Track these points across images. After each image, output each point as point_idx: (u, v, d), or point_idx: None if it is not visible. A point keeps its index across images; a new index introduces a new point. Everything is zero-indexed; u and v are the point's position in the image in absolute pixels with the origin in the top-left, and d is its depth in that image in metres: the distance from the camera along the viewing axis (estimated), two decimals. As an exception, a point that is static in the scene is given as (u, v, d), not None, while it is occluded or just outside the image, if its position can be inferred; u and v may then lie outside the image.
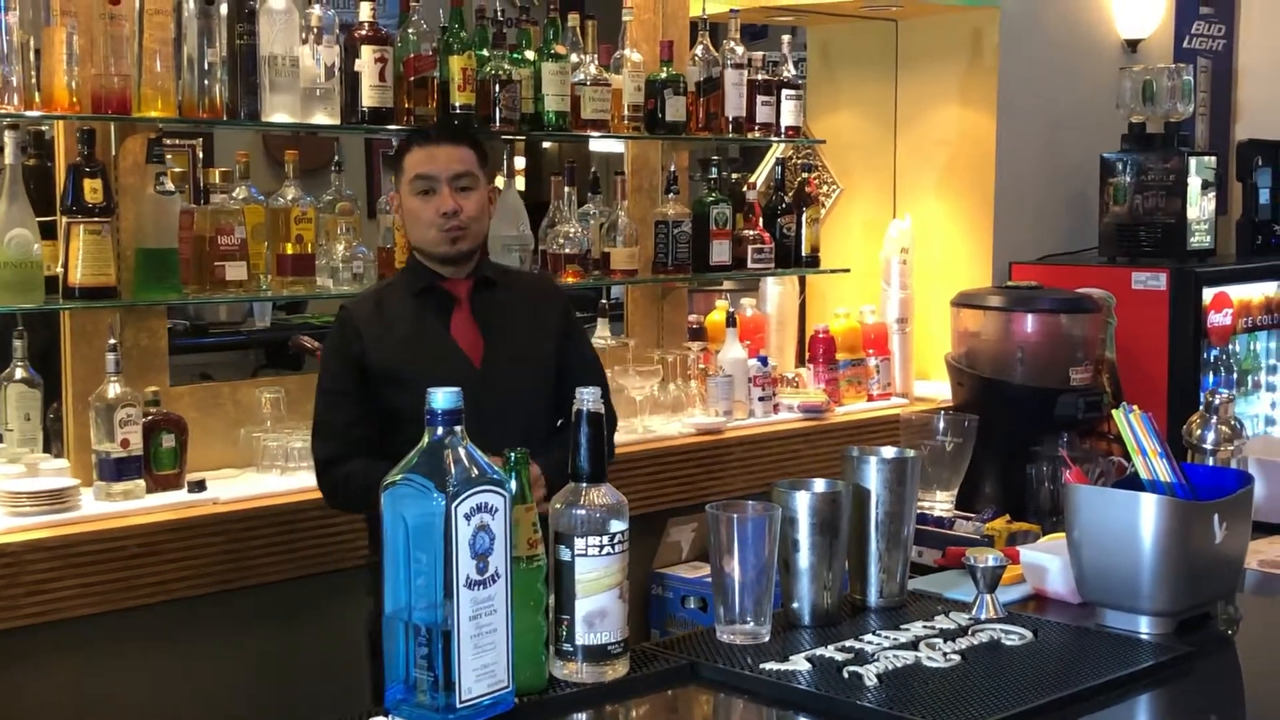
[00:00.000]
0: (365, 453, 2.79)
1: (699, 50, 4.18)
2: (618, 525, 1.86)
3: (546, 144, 7.13)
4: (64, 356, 3.21)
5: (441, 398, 1.70)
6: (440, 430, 1.70)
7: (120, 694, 3.04)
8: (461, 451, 1.70)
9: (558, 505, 1.86)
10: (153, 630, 3.05)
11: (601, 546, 1.84)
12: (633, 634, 1.95)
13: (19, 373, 3.20)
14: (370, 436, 2.82)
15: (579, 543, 1.84)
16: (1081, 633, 2.16)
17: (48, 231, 3.09)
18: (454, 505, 1.66)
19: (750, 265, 4.27)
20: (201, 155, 6.42)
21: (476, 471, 1.70)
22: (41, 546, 2.87)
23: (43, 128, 3.29)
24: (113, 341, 3.12)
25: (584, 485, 1.87)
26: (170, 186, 3.20)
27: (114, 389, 3.07)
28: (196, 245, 3.27)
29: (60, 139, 3.18)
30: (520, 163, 7.74)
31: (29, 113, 3.02)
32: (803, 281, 4.89)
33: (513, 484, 1.77)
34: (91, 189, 3.04)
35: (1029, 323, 4.14)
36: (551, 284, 3.34)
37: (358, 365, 2.84)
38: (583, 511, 1.85)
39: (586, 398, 1.88)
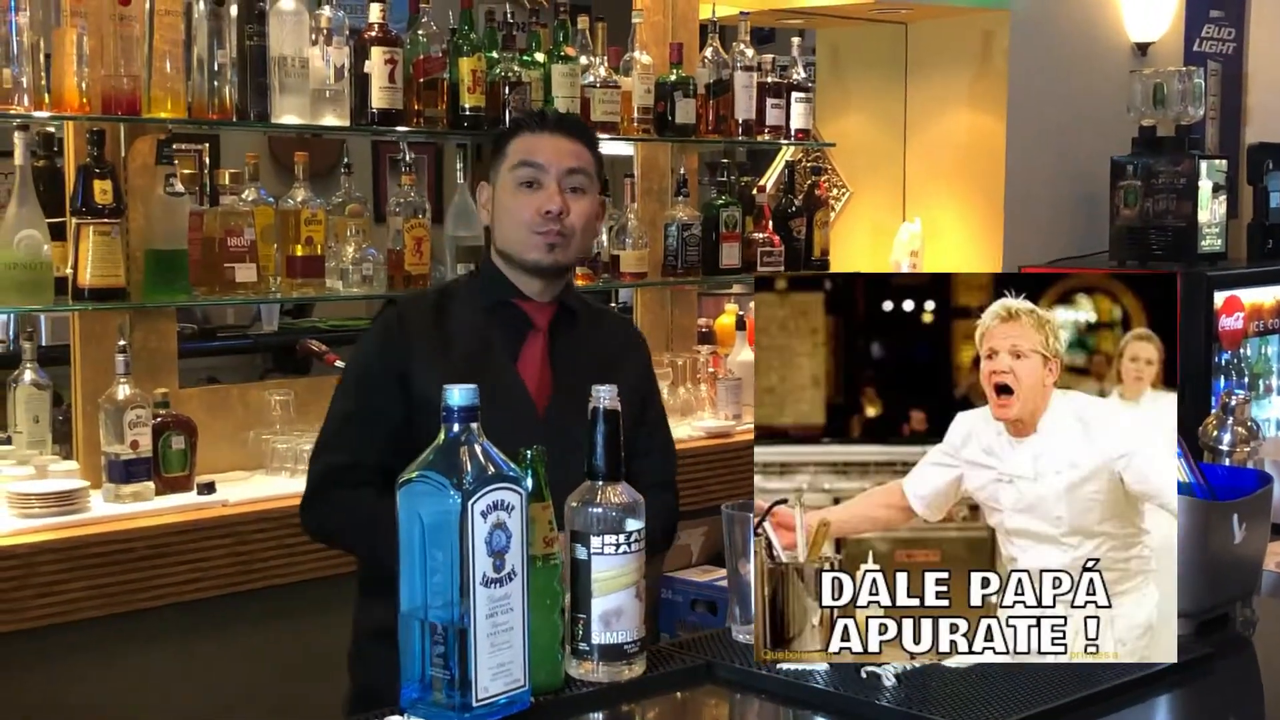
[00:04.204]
0: (377, 485, 2.33)
1: (709, 53, 4.17)
2: (634, 524, 1.84)
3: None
4: (73, 358, 3.20)
5: (458, 394, 1.69)
6: (456, 427, 1.69)
7: (129, 696, 3.02)
8: (478, 448, 1.68)
9: (574, 504, 1.85)
10: (161, 632, 3.04)
11: (618, 545, 1.83)
12: (644, 636, 1.93)
13: (28, 374, 3.19)
14: (389, 468, 2.06)
15: (595, 541, 1.82)
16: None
17: (57, 233, 3.09)
18: (470, 503, 1.65)
19: (760, 268, 4.25)
20: (209, 161, 6.43)
21: (493, 469, 1.68)
22: (50, 548, 2.86)
23: (52, 129, 3.28)
24: (122, 343, 3.11)
25: (600, 483, 1.85)
26: (180, 188, 3.18)
27: (123, 390, 3.05)
28: (206, 247, 3.26)
29: (70, 140, 3.17)
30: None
31: (39, 114, 3.01)
32: (812, 285, 4.87)
33: (529, 481, 1.76)
34: (101, 190, 3.03)
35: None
36: (637, 334, 2.81)
37: (400, 381, 2.40)
38: (599, 510, 1.84)
39: (603, 395, 1.87)
